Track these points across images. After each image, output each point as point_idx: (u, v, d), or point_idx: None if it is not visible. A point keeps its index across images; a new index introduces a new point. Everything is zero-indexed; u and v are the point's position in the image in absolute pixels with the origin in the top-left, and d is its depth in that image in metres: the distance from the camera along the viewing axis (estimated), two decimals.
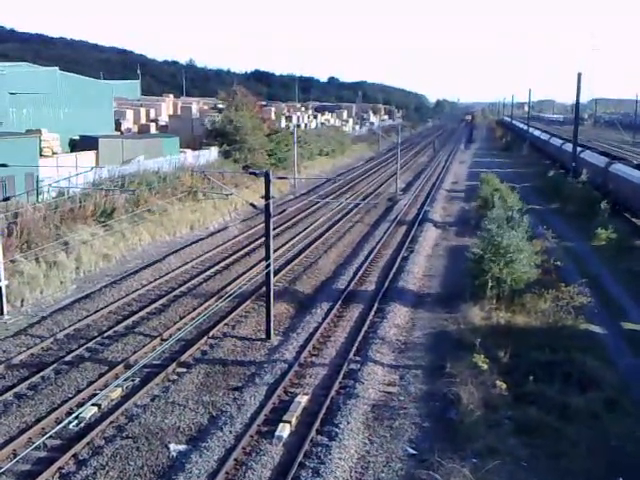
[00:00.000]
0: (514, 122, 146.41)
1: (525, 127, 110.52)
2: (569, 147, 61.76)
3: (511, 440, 16.23)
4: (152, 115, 68.94)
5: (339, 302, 26.71)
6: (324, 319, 24.76)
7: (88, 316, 24.66)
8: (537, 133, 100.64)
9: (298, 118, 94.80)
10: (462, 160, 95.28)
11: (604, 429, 16.64)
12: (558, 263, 29.84)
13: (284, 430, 16.57)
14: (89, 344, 22.05)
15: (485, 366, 19.44)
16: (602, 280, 29.75)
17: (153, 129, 64.25)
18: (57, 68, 54.04)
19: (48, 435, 14.66)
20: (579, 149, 59.25)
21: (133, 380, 19.16)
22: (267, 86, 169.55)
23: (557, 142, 76.94)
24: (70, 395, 18.43)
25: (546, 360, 19.88)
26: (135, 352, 21.32)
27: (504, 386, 18.42)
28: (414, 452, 16.03)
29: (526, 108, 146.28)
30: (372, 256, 34.81)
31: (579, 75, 56.63)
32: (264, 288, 24.04)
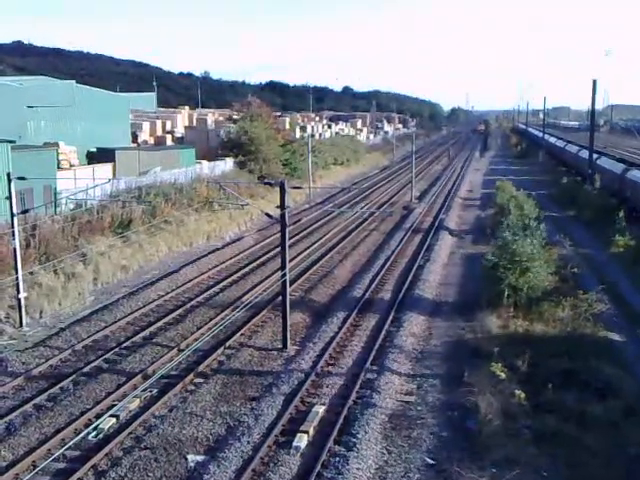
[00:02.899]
0: (529, 129, 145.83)
1: (540, 134, 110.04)
2: (585, 154, 61.38)
3: (530, 449, 16.11)
4: (168, 127, 69.45)
5: (355, 311, 26.68)
6: (340, 328, 24.74)
7: (106, 327, 24.81)
8: (553, 140, 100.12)
9: (312, 128, 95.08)
10: (477, 168, 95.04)
11: (623, 437, 16.47)
12: (575, 270, 29.64)
13: (302, 440, 16.55)
14: (107, 355, 22.18)
15: (503, 375, 19.33)
16: (620, 287, 29.49)
17: (169, 141, 64.70)
18: (74, 81, 54.59)
19: (67, 446, 14.69)
20: (595, 156, 58.88)
21: (151, 391, 19.23)
22: (281, 97, 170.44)
23: (573, 149, 76.49)
24: (89, 406, 18.52)
25: (565, 368, 19.73)
26: (153, 363, 21.42)
27: (523, 395, 18.27)
28: (432, 462, 15.94)
29: (541, 115, 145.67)
30: (388, 265, 34.76)
31: (594, 81, 56.47)
32: (280, 298, 24.08)
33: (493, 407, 17.60)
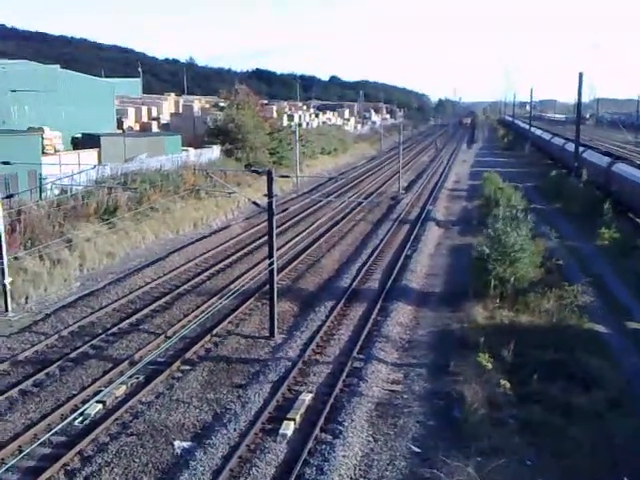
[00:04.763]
0: (516, 121, 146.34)
1: (527, 127, 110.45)
2: (571, 147, 61.66)
3: (515, 439, 16.23)
4: (154, 113, 68.93)
5: (342, 300, 26.68)
6: (328, 317, 24.75)
7: (92, 313, 24.68)
8: (539, 132, 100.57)
9: (300, 117, 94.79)
10: (464, 159, 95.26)
11: (608, 428, 16.65)
12: (561, 262, 29.82)
13: (288, 428, 16.58)
14: (93, 341, 22.07)
15: (489, 365, 19.48)
16: (606, 280, 29.72)
17: (155, 127, 64.27)
18: (58, 66, 54.02)
19: (53, 431, 14.61)
20: (581, 149, 59.17)
21: (138, 377, 19.17)
22: (268, 85, 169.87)
23: (559, 142, 76.84)
24: (75, 392, 18.45)
25: (550, 359, 19.88)
26: (139, 349, 21.34)
27: (508, 385, 18.43)
28: (418, 450, 16.02)
29: (528, 108, 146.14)
30: (375, 255, 34.80)
31: (580, 75, 56.59)
32: (267, 286, 24.04)
33: (479, 396, 17.72)
